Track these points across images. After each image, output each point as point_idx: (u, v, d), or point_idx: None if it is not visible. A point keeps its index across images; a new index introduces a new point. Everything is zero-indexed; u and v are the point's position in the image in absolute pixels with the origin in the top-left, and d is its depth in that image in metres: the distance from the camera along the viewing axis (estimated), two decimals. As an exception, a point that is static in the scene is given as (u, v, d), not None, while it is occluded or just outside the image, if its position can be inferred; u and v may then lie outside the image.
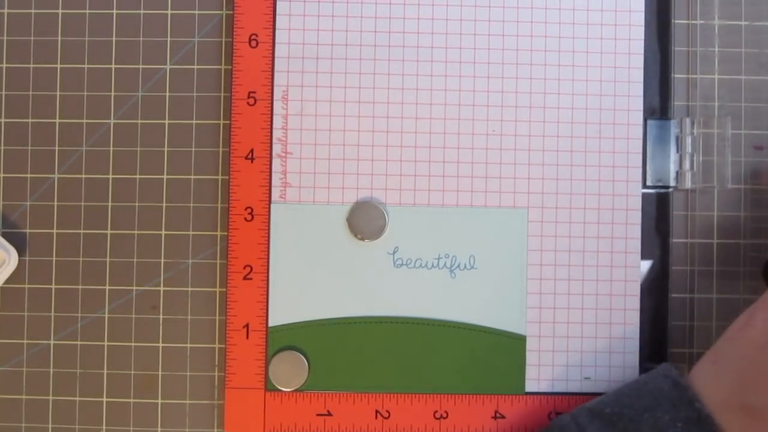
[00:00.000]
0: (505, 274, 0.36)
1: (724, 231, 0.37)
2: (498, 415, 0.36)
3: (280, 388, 0.36)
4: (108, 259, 0.37)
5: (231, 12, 0.37)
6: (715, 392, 0.30)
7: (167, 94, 0.37)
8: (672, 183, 0.37)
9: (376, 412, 0.36)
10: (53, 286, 0.37)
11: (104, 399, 0.37)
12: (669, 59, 0.37)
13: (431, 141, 0.36)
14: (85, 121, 0.37)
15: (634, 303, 0.36)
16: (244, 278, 0.36)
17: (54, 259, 0.37)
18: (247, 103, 0.36)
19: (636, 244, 0.36)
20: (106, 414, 0.37)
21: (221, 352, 0.37)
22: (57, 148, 0.37)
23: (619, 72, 0.37)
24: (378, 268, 0.36)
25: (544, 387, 0.36)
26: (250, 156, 0.36)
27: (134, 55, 0.37)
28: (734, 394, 0.30)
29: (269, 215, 0.36)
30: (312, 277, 0.36)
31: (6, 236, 0.37)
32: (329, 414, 0.36)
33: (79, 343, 0.37)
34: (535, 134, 0.37)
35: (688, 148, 0.36)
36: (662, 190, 0.37)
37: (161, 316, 0.37)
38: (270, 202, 0.36)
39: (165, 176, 0.37)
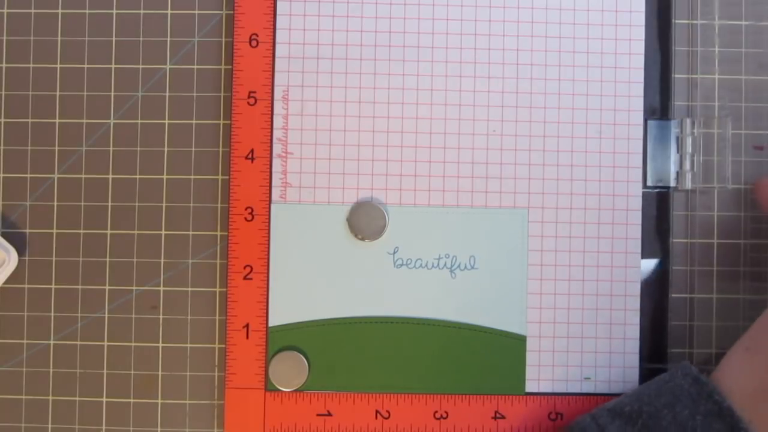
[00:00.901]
0: (505, 274, 0.36)
1: (724, 231, 0.37)
2: (498, 415, 0.36)
3: (280, 388, 0.36)
4: (108, 259, 0.37)
5: (231, 12, 0.37)
6: (751, 379, 0.30)
7: (167, 94, 0.37)
8: (672, 183, 0.37)
9: (376, 412, 0.36)
10: (53, 286, 0.37)
11: (104, 399, 0.37)
12: (669, 59, 0.37)
13: (431, 141, 0.36)
14: (85, 121, 0.37)
15: (635, 303, 0.36)
16: (244, 278, 0.36)
17: (54, 259, 0.37)
18: (248, 103, 0.36)
19: (636, 244, 0.36)
20: (106, 414, 0.37)
21: (221, 352, 0.37)
22: (57, 148, 0.37)
23: (619, 72, 0.37)
24: (378, 269, 0.36)
25: (544, 387, 0.36)
26: (250, 156, 0.36)
27: (134, 55, 0.37)
28: None
29: (269, 215, 0.36)
30: (312, 277, 0.36)
31: (6, 236, 0.37)
32: (329, 414, 0.36)
33: (79, 343, 0.37)
34: (536, 134, 0.37)
35: (689, 149, 0.36)
36: (662, 190, 0.37)
37: (161, 316, 0.37)
38: (270, 202, 0.36)
39: (165, 176, 0.37)
